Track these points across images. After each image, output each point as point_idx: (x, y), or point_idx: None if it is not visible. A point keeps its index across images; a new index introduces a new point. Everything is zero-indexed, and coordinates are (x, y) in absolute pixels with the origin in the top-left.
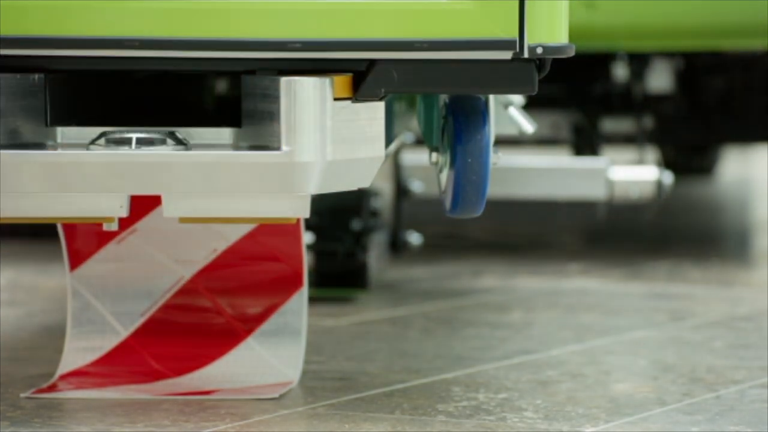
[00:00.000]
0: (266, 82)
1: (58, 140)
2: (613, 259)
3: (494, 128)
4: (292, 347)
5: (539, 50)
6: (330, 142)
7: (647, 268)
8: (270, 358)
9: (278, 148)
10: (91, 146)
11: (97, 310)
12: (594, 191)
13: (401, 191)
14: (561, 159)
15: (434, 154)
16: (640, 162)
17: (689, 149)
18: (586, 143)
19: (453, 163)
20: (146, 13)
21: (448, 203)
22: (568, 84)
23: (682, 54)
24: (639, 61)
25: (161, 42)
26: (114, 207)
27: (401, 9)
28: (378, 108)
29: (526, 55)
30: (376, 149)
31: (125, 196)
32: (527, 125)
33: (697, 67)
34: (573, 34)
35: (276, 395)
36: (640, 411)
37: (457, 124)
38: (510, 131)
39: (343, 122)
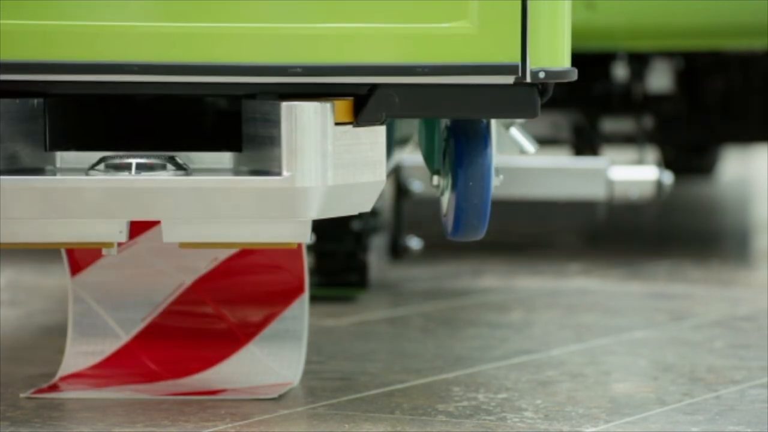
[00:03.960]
0: (267, 107)
1: (57, 165)
2: (613, 259)
3: (496, 150)
4: (292, 352)
5: (541, 75)
6: (331, 167)
7: (647, 268)
8: (270, 362)
9: (279, 173)
10: (91, 171)
11: (99, 316)
12: (594, 191)
13: (401, 191)
14: (561, 159)
15: (435, 177)
16: (640, 162)
17: (689, 149)
18: (586, 143)
19: (454, 186)
20: (146, 38)
21: (449, 226)
22: (568, 84)
23: (682, 54)
24: (639, 61)
25: (161, 67)
26: (113, 232)
27: (402, 34)
28: (379, 132)
29: (528, 79)
30: (378, 173)
31: (125, 221)
32: (529, 146)
33: (697, 67)
34: (573, 35)
35: (276, 395)
36: (640, 411)
37: (458, 147)
38: (512, 152)
39: (344, 147)
